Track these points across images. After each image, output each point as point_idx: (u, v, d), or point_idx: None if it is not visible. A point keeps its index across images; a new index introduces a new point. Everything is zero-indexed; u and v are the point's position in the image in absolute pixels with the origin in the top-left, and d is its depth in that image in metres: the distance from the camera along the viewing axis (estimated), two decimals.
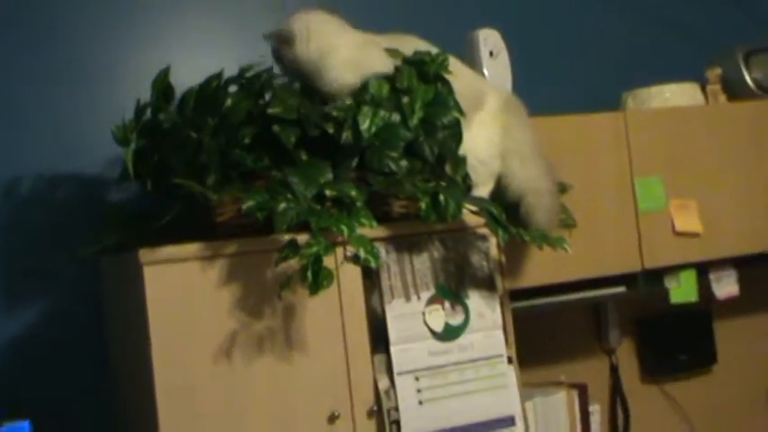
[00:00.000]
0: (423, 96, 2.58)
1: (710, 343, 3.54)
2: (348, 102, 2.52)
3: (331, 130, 2.48)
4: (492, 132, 2.74)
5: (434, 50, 2.68)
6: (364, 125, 2.49)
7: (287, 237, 2.36)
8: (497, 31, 2.99)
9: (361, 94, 2.54)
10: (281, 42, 2.58)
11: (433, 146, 2.57)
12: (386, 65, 2.60)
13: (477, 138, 2.70)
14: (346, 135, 2.48)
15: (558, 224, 2.76)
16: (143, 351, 2.35)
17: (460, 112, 2.62)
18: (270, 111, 2.46)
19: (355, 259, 2.45)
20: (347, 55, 2.57)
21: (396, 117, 2.54)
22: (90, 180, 2.85)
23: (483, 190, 2.73)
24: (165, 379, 2.32)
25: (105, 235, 2.59)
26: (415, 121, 2.55)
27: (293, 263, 2.35)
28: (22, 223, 2.79)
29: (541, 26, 3.47)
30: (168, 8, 3.00)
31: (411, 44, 2.69)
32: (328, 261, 2.38)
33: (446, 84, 2.63)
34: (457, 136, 2.62)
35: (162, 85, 2.54)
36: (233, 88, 2.52)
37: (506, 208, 2.67)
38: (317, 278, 2.33)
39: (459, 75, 2.68)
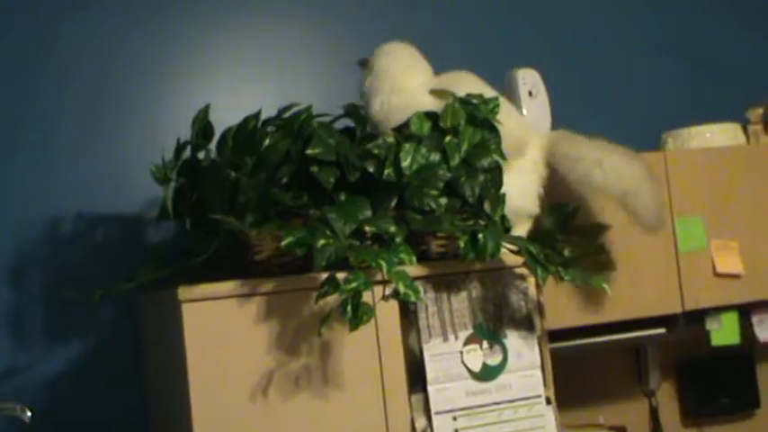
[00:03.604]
0: (470, 139, 2.58)
1: (753, 386, 3.48)
2: (389, 139, 2.52)
3: (371, 168, 2.49)
4: (529, 180, 2.74)
5: (489, 93, 2.69)
6: (406, 162, 2.49)
7: (324, 275, 2.36)
8: (536, 70, 2.99)
9: (402, 131, 2.55)
10: (361, 67, 2.72)
11: (475, 186, 2.57)
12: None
13: (513, 185, 2.69)
14: (388, 172, 2.48)
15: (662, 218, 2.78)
16: (181, 387, 2.35)
17: (502, 156, 2.61)
18: (309, 152, 2.47)
19: (395, 294, 2.42)
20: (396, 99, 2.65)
21: (435, 156, 2.54)
22: (130, 218, 2.88)
23: (519, 230, 2.72)
24: (203, 415, 2.33)
25: (145, 272, 2.60)
26: (456, 161, 2.55)
27: (332, 300, 2.35)
28: (63, 260, 2.82)
29: (581, 65, 3.47)
30: (209, 47, 3.03)
31: (466, 84, 2.71)
32: (367, 297, 2.37)
33: (495, 130, 2.63)
34: (497, 180, 2.62)
35: (202, 124, 2.56)
36: (271, 128, 2.53)
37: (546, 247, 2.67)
38: (357, 313, 2.33)
39: (505, 118, 2.68)
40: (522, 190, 2.72)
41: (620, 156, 2.76)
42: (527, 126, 2.85)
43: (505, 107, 2.73)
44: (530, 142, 2.77)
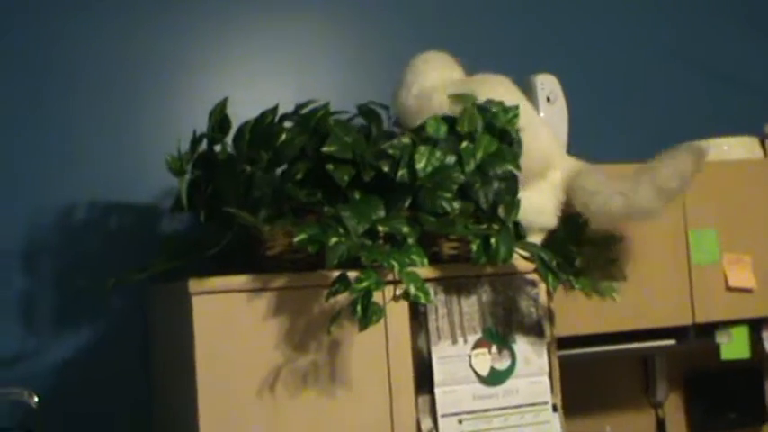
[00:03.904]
0: (486, 147, 2.58)
1: (761, 401, 3.46)
2: (405, 140, 2.52)
3: (386, 168, 2.49)
4: (547, 199, 2.74)
5: (513, 100, 2.69)
6: (420, 164, 2.49)
7: (336, 273, 2.37)
8: (555, 76, 2.99)
9: (418, 132, 2.55)
10: None
11: (489, 194, 2.57)
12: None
13: (530, 201, 2.68)
14: (402, 173, 2.48)
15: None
16: (188, 379, 2.36)
17: (518, 167, 2.60)
18: (324, 149, 2.47)
19: (405, 295, 2.41)
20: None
21: (451, 158, 2.54)
22: (144, 208, 2.88)
23: (533, 239, 2.72)
24: (209, 408, 2.33)
25: (157, 262, 2.61)
26: (471, 167, 2.55)
27: (342, 298, 2.35)
28: (75, 248, 2.82)
29: (599, 73, 3.47)
30: (228, 40, 3.03)
31: (491, 89, 2.71)
32: (377, 297, 2.37)
33: (512, 143, 2.62)
34: (512, 189, 2.61)
35: (219, 117, 2.56)
36: (288, 124, 2.54)
37: (559, 255, 2.67)
38: (367, 312, 2.33)
39: (535, 135, 2.69)
40: (538, 208, 2.71)
41: (618, 182, 2.72)
42: (556, 147, 2.82)
43: (537, 122, 2.74)
44: (554, 167, 2.75)
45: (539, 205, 2.72)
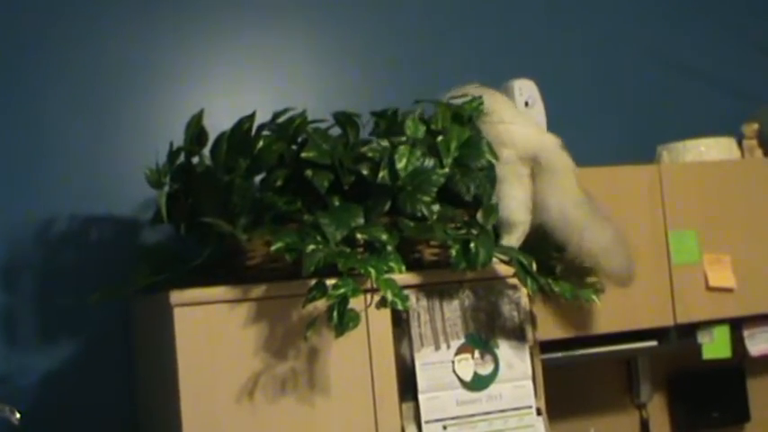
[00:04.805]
0: (458, 136, 2.60)
1: (743, 400, 3.48)
2: (384, 143, 2.53)
3: (365, 171, 2.50)
4: (519, 191, 2.75)
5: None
6: (401, 164, 2.50)
7: (314, 281, 2.37)
8: (533, 81, 3.00)
9: (397, 135, 2.56)
10: None
11: (470, 184, 2.58)
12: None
13: (511, 195, 2.71)
14: (382, 174, 2.49)
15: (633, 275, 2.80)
16: (171, 389, 2.36)
17: (494, 156, 2.63)
18: (303, 155, 2.48)
19: (382, 302, 2.41)
20: None
21: (430, 161, 2.55)
22: (123, 221, 2.88)
23: (509, 240, 2.73)
24: (192, 416, 2.33)
25: (138, 276, 2.60)
26: (449, 160, 2.56)
27: (320, 306, 2.35)
28: (56, 262, 2.81)
29: (577, 77, 3.48)
30: (204, 52, 3.03)
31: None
32: (357, 304, 2.37)
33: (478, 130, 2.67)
34: (491, 179, 2.64)
35: (195, 129, 2.56)
36: (266, 132, 2.54)
37: (539, 259, 2.67)
38: (343, 319, 2.33)
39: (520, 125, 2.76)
40: (516, 201, 2.72)
41: (594, 224, 2.75)
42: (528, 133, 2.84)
43: (505, 109, 2.79)
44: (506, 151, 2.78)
45: (514, 196, 2.73)
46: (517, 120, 2.78)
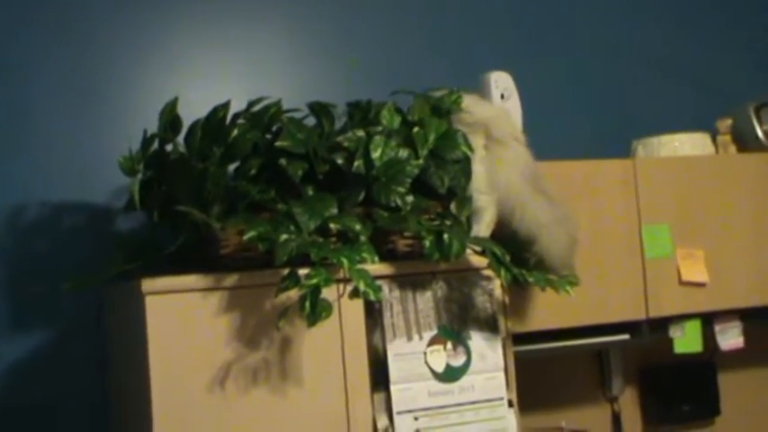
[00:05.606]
0: (436, 128, 2.60)
1: (714, 394, 3.50)
2: (359, 133, 2.53)
3: (340, 161, 2.50)
4: (477, 165, 2.75)
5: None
6: (376, 153, 2.50)
7: (287, 271, 2.36)
8: (509, 74, 3.00)
9: (372, 125, 2.56)
10: None
11: (444, 177, 2.58)
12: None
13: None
14: (358, 164, 2.49)
15: (571, 263, 2.77)
16: (142, 378, 2.35)
17: (470, 149, 2.64)
18: (278, 143, 2.47)
19: (354, 292, 2.41)
20: None
21: (404, 152, 2.55)
22: (96, 209, 2.86)
23: (478, 228, 2.73)
24: (162, 405, 2.32)
25: (111, 264, 2.59)
26: (425, 151, 2.57)
27: (293, 295, 2.35)
28: (27, 250, 2.80)
29: (553, 70, 3.48)
30: (179, 39, 3.02)
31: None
32: (330, 295, 2.37)
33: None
34: (466, 172, 2.64)
35: (170, 117, 2.54)
36: (240, 121, 2.53)
37: (513, 250, 2.67)
38: (315, 309, 2.32)
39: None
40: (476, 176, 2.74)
41: (537, 199, 2.75)
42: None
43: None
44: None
45: (480, 174, 2.74)
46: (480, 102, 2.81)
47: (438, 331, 2.62)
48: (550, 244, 2.72)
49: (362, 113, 2.66)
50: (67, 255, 2.81)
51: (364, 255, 2.43)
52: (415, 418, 2.57)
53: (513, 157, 2.75)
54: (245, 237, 2.36)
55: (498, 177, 2.72)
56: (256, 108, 2.56)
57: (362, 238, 2.46)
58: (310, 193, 2.49)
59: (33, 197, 2.81)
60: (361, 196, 2.51)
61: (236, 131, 2.47)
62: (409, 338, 2.59)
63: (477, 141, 2.72)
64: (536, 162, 2.79)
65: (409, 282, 2.60)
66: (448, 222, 2.58)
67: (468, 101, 2.76)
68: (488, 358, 2.68)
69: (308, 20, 3.19)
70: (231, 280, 2.41)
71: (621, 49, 3.62)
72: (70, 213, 2.84)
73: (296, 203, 2.42)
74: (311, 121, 2.63)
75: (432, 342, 2.62)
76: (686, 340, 3.11)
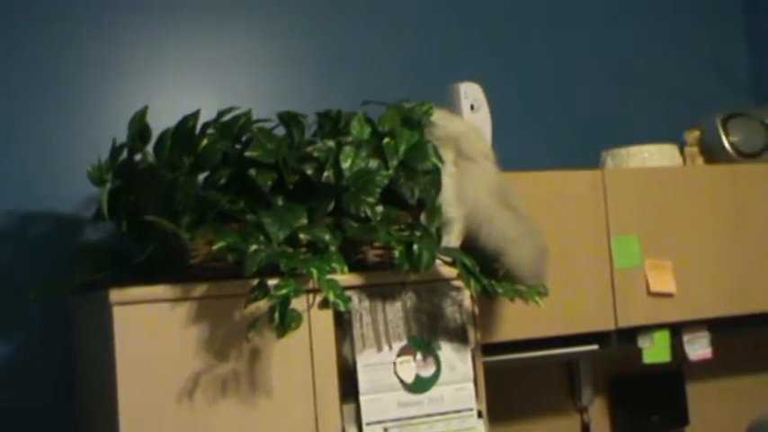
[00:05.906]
0: (408, 139, 2.61)
1: (683, 404, 3.51)
2: (329, 143, 2.53)
3: (310, 171, 2.49)
4: (446, 178, 2.75)
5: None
6: (346, 164, 2.50)
7: (256, 281, 2.35)
8: (478, 85, 3.01)
9: (342, 135, 2.56)
10: None
11: (415, 188, 2.58)
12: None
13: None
14: (327, 174, 2.49)
15: (542, 274, 2.78)
16: (109, 388, 2.34)
17: (441, 160, 2.64)
18: (248, 153, 2.47)
19: (324, 303, 2.41)
20: None
21: (374, 163, 2.55)
22: (65, 218, 2.84)
23: (448, 239, 2.73)
24: (130, 416, 2.31)
25: (78, 273, 2.57)
26: (395, 162, 2.57)
27: (262, 306, 2.34)
28: None
29: (522, 82, 3.50)
30: (147, 48, 3.01)
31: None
32: (299, 305, 2.37)
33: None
34: (436, 183, 2.64)
35: (139, 126, 2.53)
36: (210, 131, 2.52)
37: (482, 261, 2.68)
38: (285, 320, 2.32)
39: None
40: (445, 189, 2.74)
41: (505, 214, 2.77)
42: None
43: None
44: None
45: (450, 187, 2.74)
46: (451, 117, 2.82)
47: (408, 342, 2.62)
48: (519, 258, 2.73)
49: (332, 123, 2.66)
50: (36, 264, 2.79)
51: (334, 265, 2.43)
52: (385, 429, 2.56)
53: (480, 173, 2.76)
54: (215, 247, 2.35)
55: (466, 194, 2.73)
56: (226, 118, 2.55)
57: (332, 248, 2.46)
58: (280, 203, 2.49)
59: (1, 206, 2.78)
60: (331, 206, 2.51)
61: (205, 141, 2.47)
62: (379, 349, 2.59)
63: (448, 156, 2.72)
64: (504, 176, 2.80)
65: (379, 292, 2.60)
66: (418, 233, 2.58)
67: (439, 115, 2.77)
68: (458, 369, 2.68)
69: (277, 30, 3.19)
70: (200, 290, 2.40)
71: (590, 61, 3.63)
72: (38, 223, 2.82)
73: (265, 214, 2.42)
74: (281, 131, 2.63)
75: (401, 353, 2.61)
76: (655, 350, 3.12)
